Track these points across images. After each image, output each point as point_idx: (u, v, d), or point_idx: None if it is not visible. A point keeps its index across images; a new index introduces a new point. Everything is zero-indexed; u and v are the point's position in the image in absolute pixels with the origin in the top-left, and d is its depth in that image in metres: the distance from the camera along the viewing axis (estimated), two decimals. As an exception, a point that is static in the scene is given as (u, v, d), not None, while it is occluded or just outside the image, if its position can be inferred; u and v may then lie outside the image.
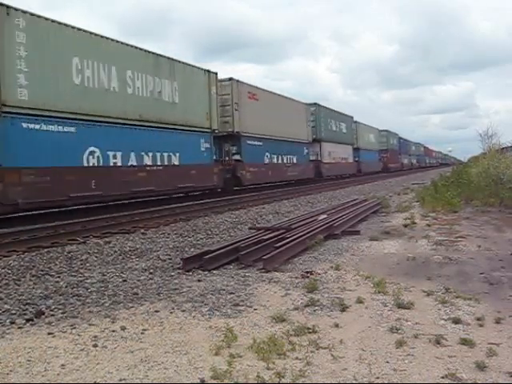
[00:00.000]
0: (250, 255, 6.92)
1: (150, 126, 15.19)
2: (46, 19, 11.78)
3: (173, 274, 6.36)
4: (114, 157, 13.80)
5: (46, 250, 8.18)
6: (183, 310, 4.70)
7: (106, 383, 3.15)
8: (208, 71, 18.64)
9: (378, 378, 3.13)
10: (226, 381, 3.08)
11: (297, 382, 3.07)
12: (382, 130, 52.66)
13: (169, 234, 10.01)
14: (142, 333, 4.08)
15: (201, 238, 9.46)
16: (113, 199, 14.38)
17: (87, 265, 7.10)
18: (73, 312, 4.72)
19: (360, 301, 4.83)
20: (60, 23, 12.27)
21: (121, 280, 6.03)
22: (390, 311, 4.53)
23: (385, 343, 3.73)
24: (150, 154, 15.25)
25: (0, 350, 3.73)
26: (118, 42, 14.36)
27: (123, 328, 4.18)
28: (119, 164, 13.93)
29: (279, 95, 26.01)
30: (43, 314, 4.65)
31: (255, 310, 4.69)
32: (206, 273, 6.32)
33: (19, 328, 4.28)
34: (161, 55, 16.21)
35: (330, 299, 4.94)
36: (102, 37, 13.67)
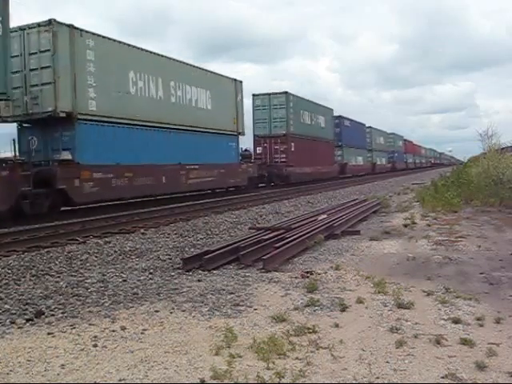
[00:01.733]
0: (250, 255, 6.91)
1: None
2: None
3: (173, 273, 6.36)
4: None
5: (45, 250, 8.18)
6: (183, 310, 4.70)
7: (105, 383, 3.15)
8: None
9: (377, 378, 3.13)
10: (226, 381, 3.07)
11: (297, 382, 3.07)
12: (272, 93, 25.96)
13: (169, 234, 10.00)
14: (141, 333, 4.08)
15: (201, 238, 9.46)
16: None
17: (87, 265, 7.10)
18: (73, 312, 4.72)
19: (360, 301, 4.83)
20: None
21: (121, 280, 6.03)
22: (390, 311, 4.53)
23: (385, 343, 3.73)
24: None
25: (0, 350, 3.73)
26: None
27: (123, 328, 4.18)
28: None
29: None
30: (43, 313, 4.65)
31: (255, 309, 4.69)
32: (206, 273, 6.32)
33: (19, 328, 4.28)
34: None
35: (330, 299, 4.94)
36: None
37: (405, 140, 66.72)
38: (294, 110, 27.00)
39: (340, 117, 37.01)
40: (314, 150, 29.25)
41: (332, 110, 35.29)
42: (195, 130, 18.53)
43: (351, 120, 40.11)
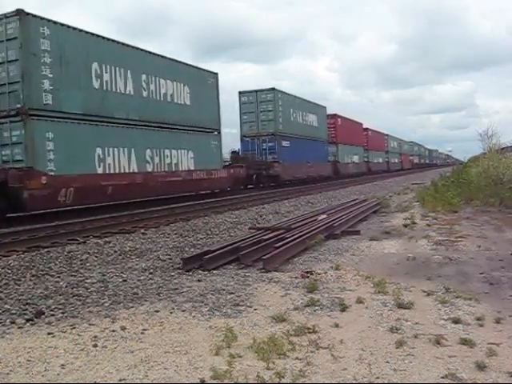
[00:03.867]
0: (250, 255, 6.91)
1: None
2: None
3: (173, 273, 6.36)
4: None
5: (45, 249, 8.18)
6: (183, 310, 4.70)
7: (105, 383, 3.15)
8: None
9: (378, 378, 3.13)
10: (226, 381, 3.07)
11: (297, 382, 3.07)
12: None
13: (169, 233, 10.01)
14: (142, 333, 4.08)
15: (201, 238, 9.46)
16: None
17: (87, 265, 7.11)
18: (73, 312, 4.72)
19: (360, 301, 4.83)
20: None
21: (121, 280, 6.03)
22: (390, 311, 4.53)
23: (385, 343, 3.73)
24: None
25: (0, 350, 3.73)
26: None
27: (123, 328, 4.18)
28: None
29: None
30: (43, 313, 4.65)
31: (255, 309, 4.69)
32: (206, 273, 6.32)
33: (19, 328, 4.28)
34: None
35: (330, 299, 4.94)
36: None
37: (335, 116, 34.82)
38: None
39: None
40: None
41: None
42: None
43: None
